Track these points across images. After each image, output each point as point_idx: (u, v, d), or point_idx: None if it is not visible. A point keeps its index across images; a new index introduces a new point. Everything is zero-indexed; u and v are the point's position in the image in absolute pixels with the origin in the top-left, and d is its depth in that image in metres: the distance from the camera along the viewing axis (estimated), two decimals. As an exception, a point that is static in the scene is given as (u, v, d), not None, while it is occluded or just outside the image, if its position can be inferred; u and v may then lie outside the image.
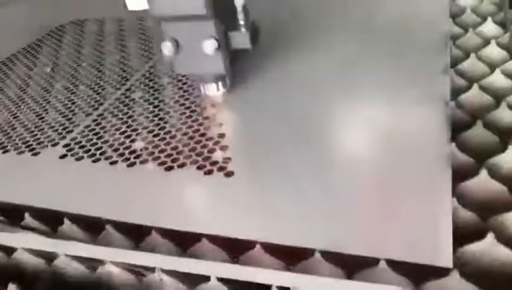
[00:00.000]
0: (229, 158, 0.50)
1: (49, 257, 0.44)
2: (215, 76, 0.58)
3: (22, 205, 0.49)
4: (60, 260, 0.43)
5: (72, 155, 0.56)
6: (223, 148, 0.52)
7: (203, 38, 0.52)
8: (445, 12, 0.69)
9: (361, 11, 0.74)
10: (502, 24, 0.65)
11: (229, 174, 0.48)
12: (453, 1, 0.73)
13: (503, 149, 0.45)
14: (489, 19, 0.65)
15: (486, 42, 0.61)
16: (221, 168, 0.49)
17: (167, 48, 0.53)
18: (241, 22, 0.54)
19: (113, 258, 0.42)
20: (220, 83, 0.59)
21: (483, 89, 0.53)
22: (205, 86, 0.60)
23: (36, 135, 0.61)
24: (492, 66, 0.57)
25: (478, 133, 0.47)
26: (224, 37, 0.54)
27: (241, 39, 0.55)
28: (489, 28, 0.65)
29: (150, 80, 0.69)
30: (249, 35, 0.54)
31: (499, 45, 0.60)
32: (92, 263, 0.43)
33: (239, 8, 0.53)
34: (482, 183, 0.42)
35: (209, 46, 0.52)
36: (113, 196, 0.49)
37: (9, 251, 0.45)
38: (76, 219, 0.47)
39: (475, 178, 0.42)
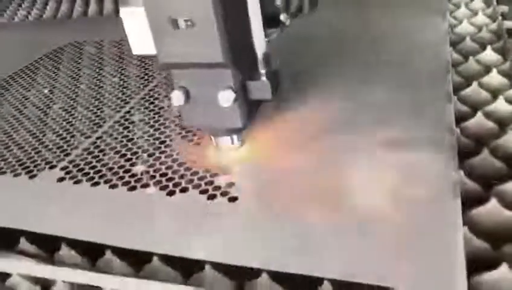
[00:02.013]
0: (233, 183, 0.49)
1: (46, 283, 0.42)
2: (229, 129, 0.51)
3: (17, 229, 0.48)
4: (57, 287, 0.41)
5: (70, 178, 0.54)
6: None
7: (218, 89, 0.46)
8: (445, 40, 0.69)
9: (361, 41, 0.75)
10: (501, 52, 0.66)
11: (232, 199, 0.47)
12: (452, 30, 0.75)
13: (510, 176, 0.44)
14: (489, 47, 0.66)
15: (487, 70, 0.62)
16: (224, 193, 0.48)
17: (176, 98, 0.47)
18: (261, 70, 0.49)
19: (113, 285, 0.40)
20: (234, 136, 0.52)
21: (486, 115, 0.53)
22: (217, 139, 0.53)
23: (33, 157, 0.60)
24: (494, 93, 0.57)
25: (484, 160, 0.47)
26: (242, 87, 0.48)
27: (261, 89, 0.49)
28: (489, 55, 0.65)
29: (151, 103, 0.68)
30: (269, 84, 0.49)
31: (499, 72, 0.61)
32: (90, 291, 0.41)
33: (260, 56, 0.48)
34: (492, 211, 0.41)
35: (226, 98, 0.46)
36: (113, 221, 0.47)
37: (3, 276, 0.43)
38: (74, 244, 0.45)
39: (485, 206, 0.41)
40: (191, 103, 0.48)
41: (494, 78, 0.61)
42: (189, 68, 0.46)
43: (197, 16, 0.42)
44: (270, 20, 0.48)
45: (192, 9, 0.42)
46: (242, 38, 0.47)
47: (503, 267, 0.35)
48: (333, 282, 0.37)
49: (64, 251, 0.45)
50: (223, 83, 0.46)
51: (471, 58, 0.65)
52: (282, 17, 0.49)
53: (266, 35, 0.48)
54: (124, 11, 0.47)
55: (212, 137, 0.53)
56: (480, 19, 0.76)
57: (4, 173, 0.58)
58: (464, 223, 0.40)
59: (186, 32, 0.43)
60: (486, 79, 0.61)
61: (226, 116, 0.48)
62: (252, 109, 0.51)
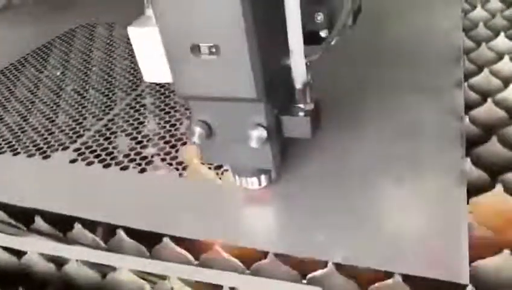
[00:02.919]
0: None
1: (60, 261, 0.44)
2: (257, 170, 0.44)
3: (32, 209, 0.49)
4: (70, 265, 0.43)
5: (82, 160, 0.56)
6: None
7: (247, 127, 0.38)
8: (458, 26, 0.69)
9: (374, 27, 0.74)
10: (515, 39, 0.65)
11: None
12: (465, 16, 0.74)
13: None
14: (502, 33, 0.65)
15: (500, 57, 0.61)
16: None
17: (196, 134, 0.39)
18: (300, 105, 0.40)
19: (124, 264, 0.41)
20: (262, 177, 0.44)
21: (496, 103, 0.53)
22: (242, 178, 0.45)
23: (47, 138, 0.61)
24: (506, 81, 0.57)
25: (492, 148, 0.47)
26: (275, 124, 0.40)
27: (298, 126, 0.40)
28: (502, 42, 0.65)
29: (162, 86, 0.69)
30: (310, 121, 0.39)
31: (512, 59, 0.60)
32: (103, 269, 0.42)
33: (298, 86, 0.39)
34: (497, 198, 0.41)
35: (256, 137, 0.38)
36: (125, 202, 0.48)
37: (19, 254, 0.45)
38: (87, 224, 0.47)
39: (490, 193, 0.42)
40: (213, 140, 0.41)
41: (507, 65, 0.60)
42: (212, 101, 0.38)
43: (225, 42, 0.34)
44: (310, 39, 0.40)
45: (219, 34, 0.34)
46: (278, 65, 0.38)
47: (505, 253, 0.36)
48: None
49: (78, 230, 0.46)
50: (253, 120, 0.38)
51: (483, 44, 0.64)
52: (323, 33, 0.41)
53: (307, 55, 0.38)
54: (133, 31, 0.40)
55: (237, 178, 0.45)
56: (494, 4, 0.75)
57: (18, 153, 0.59)
58: (469, 210, 0.40)
59: (209, 60, 0.35)
60: (497, 66, 0.60)
61: (255, 156, 0.41)
62: (284, 146, 0.43)
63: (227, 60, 0.34)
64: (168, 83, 0.69)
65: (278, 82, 0.38)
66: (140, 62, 0.40)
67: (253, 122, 0.38)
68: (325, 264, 0.38)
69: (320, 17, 0.40)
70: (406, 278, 0.35)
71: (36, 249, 0.44)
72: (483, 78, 0.58)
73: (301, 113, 0.40)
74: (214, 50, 0.34)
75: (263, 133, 0.38)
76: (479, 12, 0.74)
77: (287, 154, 0.46)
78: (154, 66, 0.39)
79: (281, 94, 0.39)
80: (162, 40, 0.35)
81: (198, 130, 0.39)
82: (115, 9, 1.00)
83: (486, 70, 0.58)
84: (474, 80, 0.58)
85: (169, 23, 0.34)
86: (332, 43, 0.40)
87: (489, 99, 0.53)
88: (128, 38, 0.88)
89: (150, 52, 0.39)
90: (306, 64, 0.38)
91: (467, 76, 0.59)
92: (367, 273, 0.37)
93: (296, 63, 0.38)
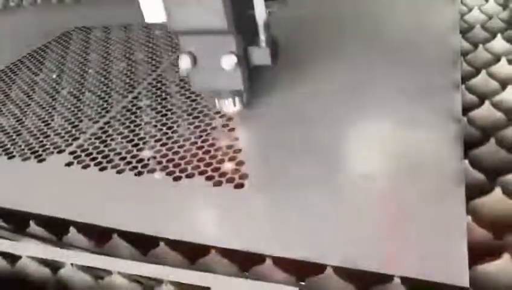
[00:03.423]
0: (239, 170, 0.49)
1: (55, 266, 0.43)
2: (232, 92, 0.56)
3: (27, 212, 0.49)
4: (65, 270, 0.42)
5: (78, 163, 0.55)
6: (233, 159, 0.51)
7: (222, 54, 0.50)
8: (455, 28, 0.69)
9: (371, 28, 0.74)
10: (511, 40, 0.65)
11: (238, 186, 0.47)
12: (462, 17, 0.74)
13: (516, 167, 0.44)
14: (499, 35, 0.65)
15: (497, 59, 0.61)
16: (230, 180, 0.48)
17: (184, 61, 0.51)
18: (262, 38, 0.52)
19: (120, 268, 0.41)
20: (236, 99, 0.57)
21: (494, 105, 0.53)
22: (221, 101, 0.57)
23: (42, 141, 0.61)
24: (503, 83, 0.57)
25: (490, 150, 0.47)
26: (243, 53, 0.52)
27: (261, 55, 0.53)
28: (499, 44, 0.65)
29: (158, 89, 0.68)
30: (270, 51, 0.53)
31: (509, 61, 0.60)
32: (98, 273, 0.42)
33: (261, 24, 0.51)
34: (496, 200, 0.41)
35: (228, 61, 0.50)
36: (120, 206, 0.48)
37: (13, 259, 0.44)
38: (82, 228, 0.46)
39: (489, 195, 0.42)
40: (197, 67, 0.52)
41: (504, 67, 0.60)
42: (195, 34, 0.50)
43: None
44: None
45: None
46: (244, 9, 0.51)
47: (506, 257, 0.35)
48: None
49: (73, 234, 0.46)
50: (226, 49, 0.50)
51: (480, 46, 0.64)
52: None
53: (267, 7, 0.51)
54: None
55: (216, 101, 0.58)
56: (491, 6, 0.75)
57: (13, 157, 0.58)
58: (468, 212, 0.40)
59: (194, 1, 0.47)
60: (495, 68, 0.60)
61: (229, 79, 0.52)
62: (252, 74, 0.55)
63: (207, 1, 0.47)
64: (166, 84, 0.69)
65: (245, 22, 0.51)
66: (142, 7, 0.52)
67: (227, 50, 0.50)
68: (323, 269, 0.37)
69: None
70: (405, 281, 0.35)
71: (31, 253, 0.44)
72: (480, 80, 0.58)
73: (263, 45, 0.52)
74: None
75: (234, 58, 0.50)
76: (475, 14, 0.74)
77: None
78: (153, 8, 0.51)
79: (247, 31, 0.51)
80: None
81: (186, 57, 0.51)
82: (111, 12, 0.99)
83: (483, 72, 0.58)
84: (472, 82, 0.58)
85: None
86: None
87: (487, 101, 0.53)
88: (125, 40, 0.88)
89: None
90: (267, 12, 0.51)
91: (465, 78, 0.59)
92: (365, 276, 0.36)
93: (258, 8, 0.51)
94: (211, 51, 0.51)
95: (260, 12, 0.51)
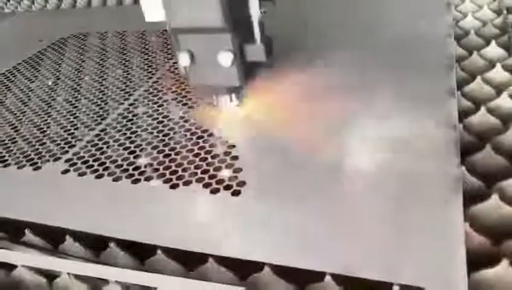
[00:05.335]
0: (237, 177, 0.49)
1: (51, 275, 0.43)
2: (229, 88, 0.58)
3: (22, 221, 0.48)
4: (61, 279, 0.42)
5: (74, 170, 0.55)
6: (230, 166, 0.51)
7: (219, 51, 0.52)
8: (450, 34, 0.69)
9: (365, 34, 0.75)
10: (506, 47, 0.66)
11: (235, 193, 0.47)
12: (457, 24, 0.74)
13: (512, 172, 0.44)
14: (493, 41, 0.66)
15: (492, 65, 0.62)
16: (227, 187, 0.48)
17: (183, 59, 0.53)
18: (257, 35, 0.55)
19: (117, 277, 0.41)
20: (233, 95, 0.59)
21: (490, 111, 0.53)
22: (218, 97, 0.60)
23: (38, 149, 0.60)
24: (498, 89, 0.57)
25: (487, 156, 0.47)
26: (239, 50, 0.54)
27: (256, 52, 0.55)
28: (494, 50, 0.65)
29: (154, 96, 0.68)
30: (264, 48, 0.55)
31: (504, 67, 0.61)
32: (95, 282, 0.42)
33: (255, 22, 0.54)
34: (493, 207, 0.41)
35: (225, 58, 0.52)
36: (117, 214, 0.48)
37: (9, 268, 0.44)
38: (79, 236, 0.46)
39: (486, 202, 0.42)
40: (195, 64, 0.54)
41: (498, 73, 0.60)
42: (193, 32, 0.52)
43: None
44: None
45: None
46: (240, 8, 0.53)
47: (504, 263, 0.35)
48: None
49: (69, 243, 0.46)
50: (223, 46, 0.52)
51: (475, 53, 0.65)
52: None
53: (260, 7, 0.54)
54: None
55: (214, 97, 0.61)
56: (485, 13, 0.76)
57: (9, 165, 0.58)
58: (465, 219, 0.40)
59: (192, 0, 0.50)
60: (490, 74, 0.60)
61: (225, 75, 0.54)
62: (248, 71, 0.57)
63: (205, 1, 0.49)
64: (162, 90, 0.68)
65: (241, 20, 0.53)
66: (143, 6, 0.54)
67: (223, 47, 0.52)
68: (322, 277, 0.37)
69: None
70: (404, 289, 0.35)
71: (26, 262, 0.43)
72: (476, 86, 0.58)
73: (258, 42, 0.55)
74: None
75: (231, 55, 0.52)
76: (470, 21, 0.74)
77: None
78: (153, 9, 0.53)
79: (242, 29, 0.53)
80: None
81: (185, 55, 0.53)
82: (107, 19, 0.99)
83: (479, 78, 0.58)
84: (467, 88, 0.58)
85: None
86: None
87: (482, 107, 0.53)
88: (121, 47, 0.88)
89: None
90: (261, 12, 0.54)
91: (460, 84, 0.59)
92: (363, 284, 0.36)
93: (253, 8, 0.53)
94: (209, 48, 0.53)
95: (255, 11, 0.54)
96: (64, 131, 0.63)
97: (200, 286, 0.38)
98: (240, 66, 0.55)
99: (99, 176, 0.53)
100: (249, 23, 0.54)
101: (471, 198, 0.42)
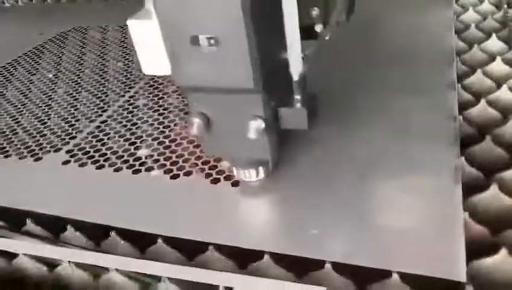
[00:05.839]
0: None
1: (52, 263, 0.43)
2: (255, 161, 0.44)
3: (23, 211, 0.48)
4: (62, 267, 0.42)
5: (75, 161, 0.55)
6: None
7: (245, 118, 0.39)
8: (450, 28, 0.69)
9: (365, 28, 0.75)
10: (506, 40, 0.66)
11: (235, 183, 0.48)
12: (458, 17, 0.74)
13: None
14: (494, 35, 0.66)
15: (492, 58, 0.62)
16: (228, 177, 0.48)
17: (194, 126, 0.40)
18: (297, 96, 0.41)
19: (117, 266, 0.41)
20: (260, 169, 0.45)
21: (490, 104, 0.53)
22: (239, 169, 0.45)
23: (38, 140, 0.61)
24: (498, 82, 0.57)
25: (487, 148, 0.47)
26: (273, 116, 0.40)
27: (295, 117, 0.41)
28: (494, 44, 0.65)
29: (155, 88, 0.68)
30: (306, 113, 0.41)
31: (504, 60, 0.61)
32: (96, 271, 0.42)
33: (295, 78, 0.40)
34: (493, 197, 0.41)
35: (254, 128, 0.38)
36: (118, 204, 0.48)
37: (10, 257, 0.44)
38: (80, 226, 0.46)
39: (485, 192, 0.42)
40: (211, 131, 0.41)
41: (498, 66, 0.60)
42: (211, 93, 0.39)
43: (224, 33, 0.34)
44: (305, 34, 0.40)
45: (218, 25, 0.34)
46: (276, 58, 0.39)
47: (503, 252, 0.36)
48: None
49: (70, 232, 0.46)
50: (251, 111, 0.39)
51: (475, 46, 0.65)
52: (318, 28, 0.42)
53: (302, 50, 0.40)
54: (133, 24, 0.39)
55: (234, 170, 0.46)
56: (486, 7, 0.76)
57: (10, 156, 0.58)
58: (465, 209, 0.40)
59: (209, 51, 0.35)
60: (490, 67, 0.60)
61: (252, 147, 0.41)
62: (282, 138, 0.44)
63: (226, 51, 0.35)
64: (163, 83, 0.68)
65: (275, 74, 0.38)
66: (139, 55, 0.41)
67: (252, 113, 0.39)
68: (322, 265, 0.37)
69: (315, 12, 0.41)
70: (404, 276, 0.35)
71: (28, 251, 0.43)
72: (476, 79, 0.58)
73: (298, 104, 0.41)
74: (213, 41, 0.35)
75: (261, 124, 0.39)
76: (470, 14, 0.74)
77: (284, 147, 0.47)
78: (153, 59, 0.40)
79: (278, 86, 0.40)
80: (162, 32, 0.36)
81: (197, 121, 0.40)
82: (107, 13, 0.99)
83: (479, 71, 0.58)
84: (468, 81, 0.58)
85: (169, 14, 0.35)
86: (327, 38, 0.42)
87: (482, 100, 0.53)
88: (121, 40, 0.88)
89: (149, 45, 0.39)
90: (302, 57, 0.39)
91: (460, 77, 0.59)
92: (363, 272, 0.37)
93: (293, 56, 0.39)
94: (231, 113, 0.40)
95: (295, 61, 0.39)
96: (65, 122, 0.64)
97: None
98: (273, 135, 0.41)
99: (100, 167, 0.53)
100: (287, 79, 0.40)
101: (470, 188, 0.43)
